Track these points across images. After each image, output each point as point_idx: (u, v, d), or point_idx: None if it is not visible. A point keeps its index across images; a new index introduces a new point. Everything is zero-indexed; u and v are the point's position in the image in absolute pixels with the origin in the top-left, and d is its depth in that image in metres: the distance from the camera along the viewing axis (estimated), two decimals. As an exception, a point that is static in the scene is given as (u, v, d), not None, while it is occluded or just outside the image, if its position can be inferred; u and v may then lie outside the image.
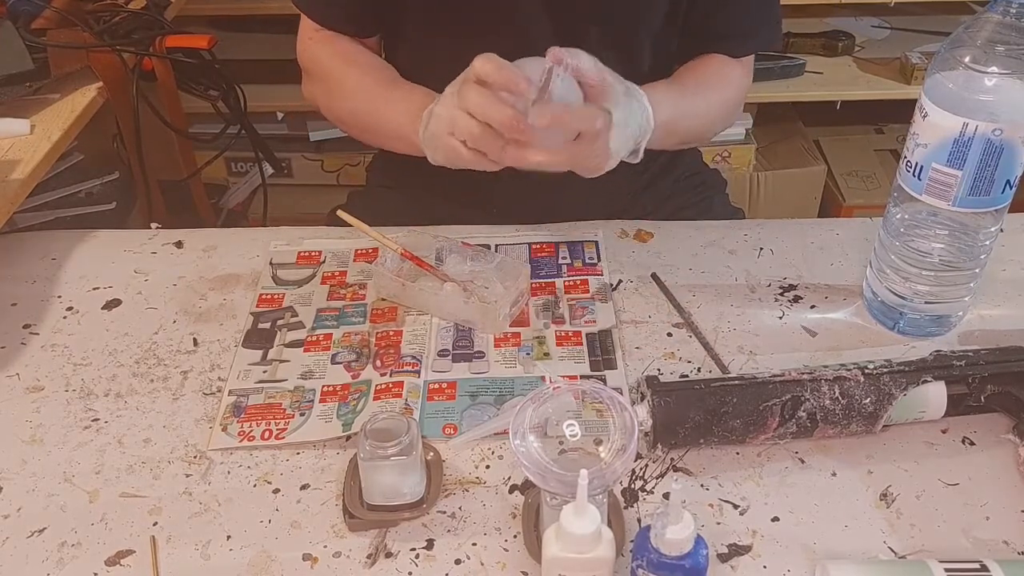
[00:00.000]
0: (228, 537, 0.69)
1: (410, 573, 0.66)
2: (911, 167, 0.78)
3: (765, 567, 0.66)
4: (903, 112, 1.11)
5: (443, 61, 0.84)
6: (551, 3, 0.95)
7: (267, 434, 0.77)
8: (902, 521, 0.70)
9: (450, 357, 0.85)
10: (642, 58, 1.01)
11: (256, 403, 0.80)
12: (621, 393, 0.80)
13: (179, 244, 1.01)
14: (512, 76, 0.77)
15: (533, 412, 0.64)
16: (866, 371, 0.73)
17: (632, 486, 0.72)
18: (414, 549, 0.68)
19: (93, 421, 0.79)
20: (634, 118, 0.85)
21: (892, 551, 0.67)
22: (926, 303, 0.84)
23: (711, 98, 1.00)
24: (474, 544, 0.68)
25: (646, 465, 0.74)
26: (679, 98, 0.95)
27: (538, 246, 0.98)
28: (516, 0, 0.95)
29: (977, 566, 0.62)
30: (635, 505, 0.71)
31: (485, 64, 0.78)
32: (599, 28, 0.97)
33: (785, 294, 0.92)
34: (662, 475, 0.73)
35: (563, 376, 0.81)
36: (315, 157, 2.19)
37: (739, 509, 0.71)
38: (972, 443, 0.76)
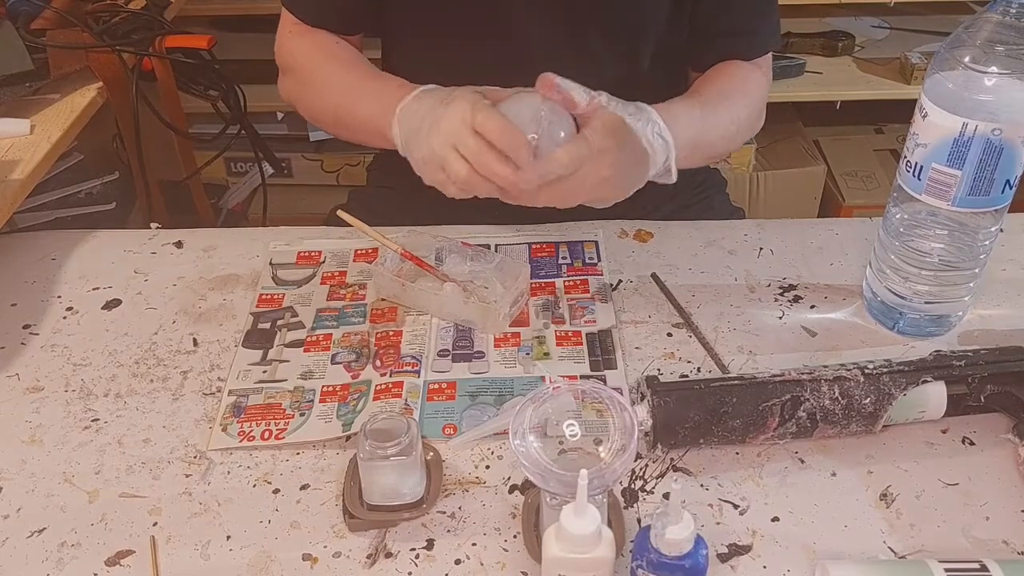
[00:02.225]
0: (228, 537, 0.69)
1: (410, 573, 0.66)
2: (911, 167, 0.78)
3: (765, 567, 0.66)
4: (903, 112, 1.11)
5: (441, 64, 0.84)
6: (550, 6, 0.94)
7: (267, 434, 0.77)
8: (902, 521, 0.70)
9: (450, 357, 0.85)
10: (643, 59, 1.00)
11: (256, 403, 0.80)
12: (621, 393, 0.80)
13: (179, 244, 1.01)
14: (514, 141, 0.76)
15: (533, 412, 0.64)
16: (866, 371, 0.73)
17: (632, 486, 0.72)
18: (414, 549, 0.68)
19: (93, 421, 0.79)
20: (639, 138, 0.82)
21: (892, 551, 0.67)
22: (926, 303, 0.84)
23: (735, 109, 0.97)
24: (474, 544, 0.68)
25: (646, 465, 0.74)
26: (701, 113, 0.92)
27: (538, 246, 0.98)
28: (514, 2, 0.94)
29: (977, 566, 0.62)
30: (635, 505, 0.71)
31: (487, 122, 0.77)
32: (600, 29, 0.96)
33: (785, 294, 0.92)
34: (662, 475, 0.73)
35: (563, 376, 0.81)
36: (315, 157, 2.20)
37: (739, 509, 0.71)
38: (972, 443, 0.76)
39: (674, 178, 0.88)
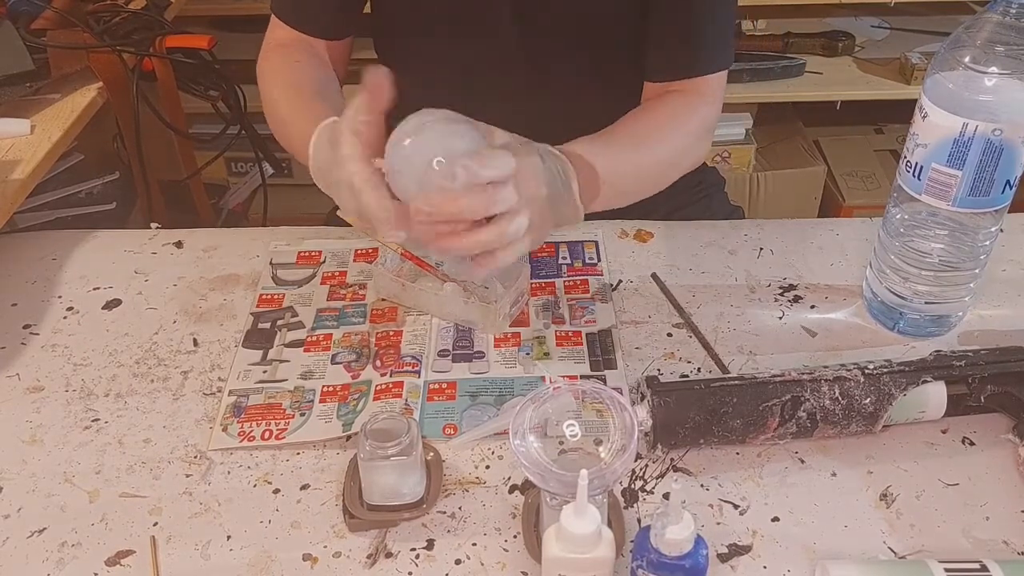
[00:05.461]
0: (228, 537, 0.69)
1: (410, 573, 0.66)
2: (911, 167, 0.78)
3: (765, 567, 0.66)
4: (903, 112, 1.11)
5: (424, 61, 0.83)
6: (519, 8, 0.94)
7: (267, 434, 0.77)
8: (902, 521, 0.70)
9: (450, 357, 0.85)
10: (616, 70, 0.99)
11: (256, 403, 0.80)
12: (621, 393, 0.80)
13: (179, 244, 1.01)
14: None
15: (533, 412, 0.64)
16: (866, 371, 0.73)
17: (632, 486, 0.72)
18: (414, 549, 0.68)
19: (93, 421, 0.79)
20: (545, 165, 0.74)
21: (892, 551, 0.67)
22: (926, 303, 0.84)
23: (660, 148, 0.89)
24: (474, 544, 0.68)
25: (646, 465, 0.74)
26: (607, 149, 0.83)
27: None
28: (484, 6, 0.94)
29: (977, 566, 0.62)
30: (635, 505, 0.71)
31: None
32: (568, 34, 0.96)
33: (785, 294, 0.92)
34: (662, 475, 0.73)
35: (563, 376, 0.81)
36: (315, 157, 2.19)
37: (739, 509, 0.71)
38: (972, 443, 0.76)
39: (580, 217, 0.79)
